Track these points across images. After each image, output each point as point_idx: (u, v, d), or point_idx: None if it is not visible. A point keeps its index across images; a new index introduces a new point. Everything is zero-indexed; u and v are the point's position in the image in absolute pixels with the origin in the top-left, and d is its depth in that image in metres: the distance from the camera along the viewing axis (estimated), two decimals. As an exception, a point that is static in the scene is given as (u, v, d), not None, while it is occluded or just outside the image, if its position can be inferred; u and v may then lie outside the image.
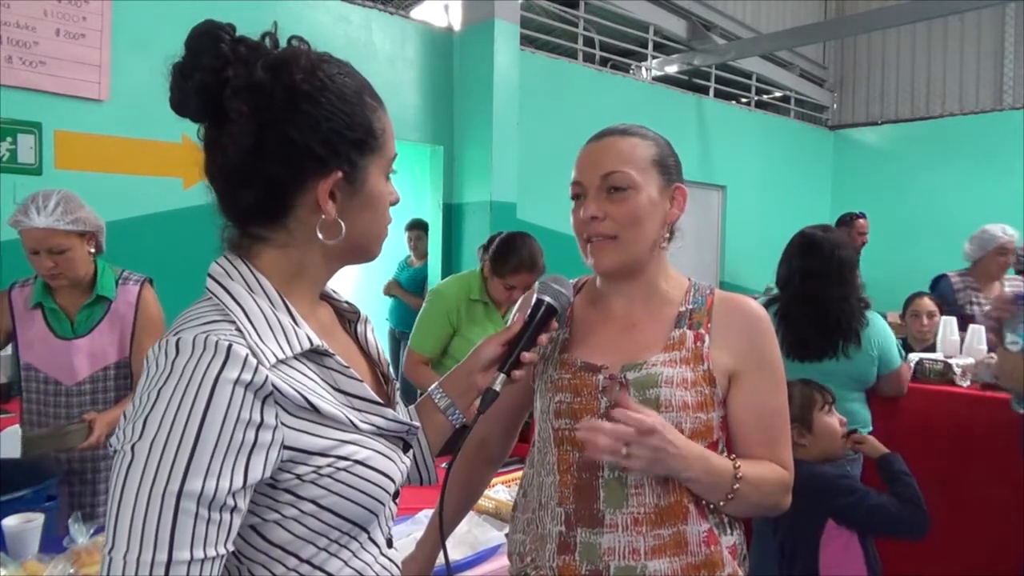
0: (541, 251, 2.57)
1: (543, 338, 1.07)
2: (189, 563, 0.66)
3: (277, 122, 0.75)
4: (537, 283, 1.11)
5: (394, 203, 0.88)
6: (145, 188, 3.43)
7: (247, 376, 0.69)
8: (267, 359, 0.72)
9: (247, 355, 0.70)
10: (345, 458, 0.78)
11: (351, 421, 0.79)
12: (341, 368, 0.81)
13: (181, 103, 0.76)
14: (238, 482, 0.68)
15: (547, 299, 1.07)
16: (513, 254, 2.51)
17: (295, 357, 0.77)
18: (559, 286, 1.08)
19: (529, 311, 1.08)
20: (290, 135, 0.75)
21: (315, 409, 0.75)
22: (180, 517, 0.65)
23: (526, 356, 1.05)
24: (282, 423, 0.73)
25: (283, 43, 0.80)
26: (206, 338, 0.70)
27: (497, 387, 1.03)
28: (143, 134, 3.39)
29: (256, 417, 0.70)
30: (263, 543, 0.77)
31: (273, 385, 0.71)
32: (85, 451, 2.00)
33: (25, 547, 1.60)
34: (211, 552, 0.67)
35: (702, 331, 1.11)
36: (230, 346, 0.70)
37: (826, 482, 1.83)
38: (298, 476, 0.75)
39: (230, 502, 0.68)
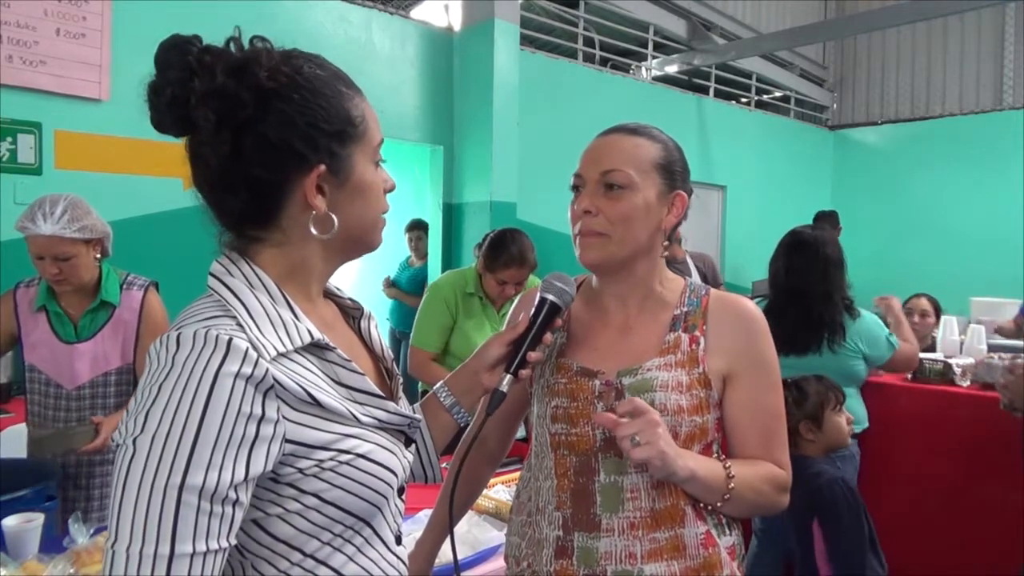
0: (532, 247, 2.60)
1: (548, 337, 1.07)
2: (191, 556, 0.66)
3: (251, 124, 0.75)
4: (541, 281, 1.11)
5: (389, 190, 0.87)
6: (145, 188, 3.43)
7: (248, 369, 0.70)
8: (268, 353, 0.73)
9: (247, 348, 0.70)
10: (347, 452, 0.78)
11: (352, 414, 0.79)
12: (342, 362, 0.81)
13: (159, 120, 0.76)
14: (239, 475, 0.69)
15: (551, 297, 1.06)
16: (503, 250, 2.54)
17: (296, 351, 0.77)
18: (562, 283, 1.08)
19: (533, 310, 1.07)
20: (267, 135, 0.75)
21: (317, 403, 0.76)
22: (182, 510, 0.66)
23: (532, 356, 1.04)
24: (283, 417, 0.73)
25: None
26: (207, 332, 0.70)
27: (504, 388, 1.03)
28: (143, 134, 3.38)
29: (257, 410, 0.70)
30: (266, 538, 0.77)
31: (274, 378, 0.72)
32: (86, 454, 1.99)
33: (25, 547, 1.60)
34: (213, 545, 0.68)
35: (697, 333, 1.11)
36: (230, 340, 0.70)
37: (821, 492, 1.85)
38: (300, 470, 0.75)
39: (232, 495, 0.69)
